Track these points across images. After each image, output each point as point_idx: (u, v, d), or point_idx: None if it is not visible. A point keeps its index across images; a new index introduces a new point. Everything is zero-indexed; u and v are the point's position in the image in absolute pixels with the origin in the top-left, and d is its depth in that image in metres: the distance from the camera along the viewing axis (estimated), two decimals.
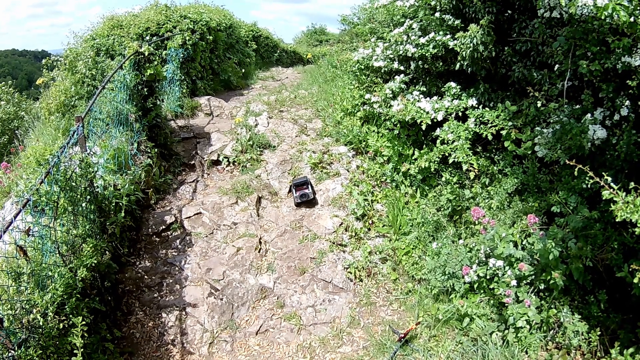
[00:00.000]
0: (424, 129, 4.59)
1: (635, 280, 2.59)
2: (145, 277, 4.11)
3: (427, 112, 4.55)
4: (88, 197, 3.57)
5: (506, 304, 3.24)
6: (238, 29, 11.24)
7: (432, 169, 4.59)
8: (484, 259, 3.50)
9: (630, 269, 2.71)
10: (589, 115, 3.55)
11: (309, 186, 5.09)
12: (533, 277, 3.34)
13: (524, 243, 3.47)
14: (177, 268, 4.24)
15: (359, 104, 5.97)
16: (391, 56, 5.30)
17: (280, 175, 5.59)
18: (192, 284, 4.07)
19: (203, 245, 4.54)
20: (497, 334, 3.24)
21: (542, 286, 3.30)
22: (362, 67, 5.82)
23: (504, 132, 4.15)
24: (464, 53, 4.20)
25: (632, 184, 2.54)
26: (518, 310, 3.19)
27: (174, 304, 3.86)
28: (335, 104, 6.70)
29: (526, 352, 3.12)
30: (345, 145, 5.99)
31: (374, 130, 5.70)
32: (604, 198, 2.56)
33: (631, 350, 2.90)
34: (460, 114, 4.52)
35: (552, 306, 3.27)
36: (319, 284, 4.08)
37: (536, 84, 4.04)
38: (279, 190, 5.38)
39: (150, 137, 5.55)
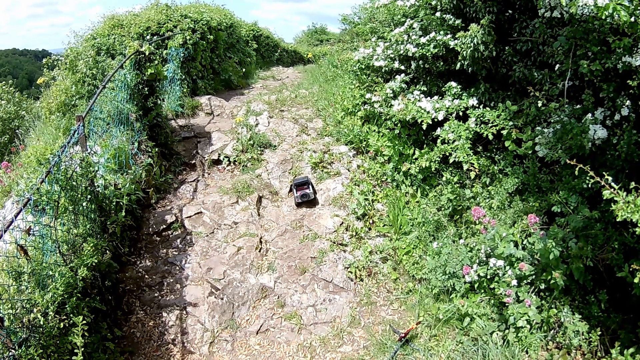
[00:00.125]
0: (424, 128, 4.59)
1: (636, 280, 2.59)
2: (146, 276, 4.11)
3: (428, 112, 4.56)
4: (89, 196, 3.57)
5: (507, 304, 3.24)
6: (239, 29, 11.22)
7: (433, 169, 4.60)
8: (484, 258, 3.50)
9: (631, 269, 2.72)
10: (589, 115, 3.55)
11: (310, 186, 5.09)
12: (533, 276, 3.34)
13: (524, 243, 3.47)
14: (177, 267, 4.24)
15: (360, 103, 5.96)
16: (392, 56, 5.30)
17: (280, 174, 5.59)
18: (193, 284, 4.07)
19: (204, 244, 4.54)
20: (497, 334, 3.24)
21: (542, 286, 3.30)
22: (363, 66, 5.82)
23: (504, 132, 4.15)
24: (464, 53, 4.20)
25: (632, 184, 2.54)
26: (518, 310, 3.19)
27: (174, 304, 3.86)
28: (335, 103, 6.69)
29: (527, 352, 3.12)
30: (346, 144, 5.99)
31: (374, 130, 5.70)
32: (604, 198, 2.56)
33: (631, 350, 2.90)
34: (460, 113, 4.53)
35: (552, 306, 3.27)
36: (319, 283, 4.08)
37: (537, 84, 4.04)
38: (280, 190, 5.38)
39: (150, 136, 5.55)
